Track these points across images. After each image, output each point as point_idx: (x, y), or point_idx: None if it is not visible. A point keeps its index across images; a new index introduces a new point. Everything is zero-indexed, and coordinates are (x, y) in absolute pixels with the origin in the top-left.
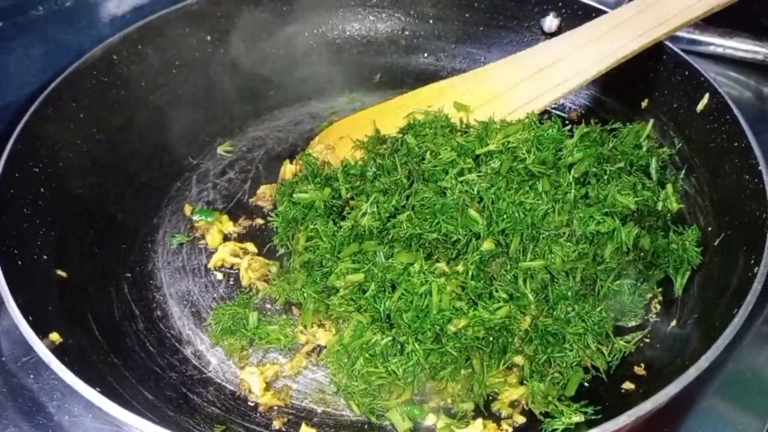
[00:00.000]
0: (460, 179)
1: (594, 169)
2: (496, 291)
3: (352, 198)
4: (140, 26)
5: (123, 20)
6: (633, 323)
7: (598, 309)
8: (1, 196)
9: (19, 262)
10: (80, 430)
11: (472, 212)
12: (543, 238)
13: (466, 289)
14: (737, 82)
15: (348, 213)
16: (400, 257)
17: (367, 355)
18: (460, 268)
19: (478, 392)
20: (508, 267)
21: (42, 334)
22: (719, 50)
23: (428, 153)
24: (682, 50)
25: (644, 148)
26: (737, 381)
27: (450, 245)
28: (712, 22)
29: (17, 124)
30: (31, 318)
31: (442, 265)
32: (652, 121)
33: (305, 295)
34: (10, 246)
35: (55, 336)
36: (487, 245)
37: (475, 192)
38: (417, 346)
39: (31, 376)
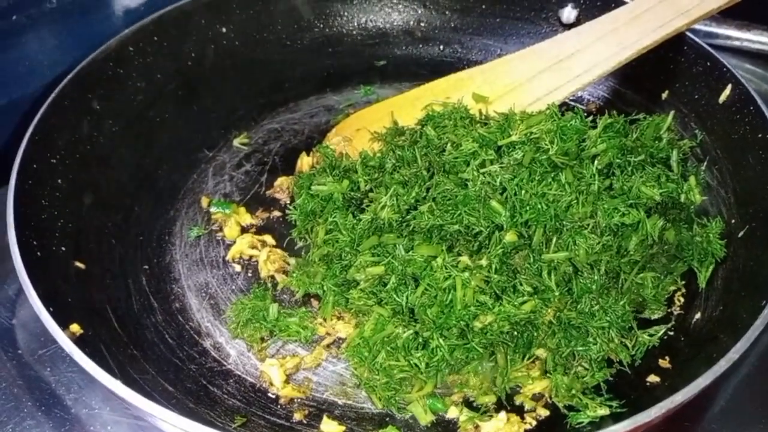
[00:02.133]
0: (482, 171)
1: (618, 161)
2: (521, 284)
3: (371, 190)
4: (156, 18)
5: (137, 12)
6: (656, 316)
7: (622, 302)
8: (20, 187)
9: (39, 253)
10: (98, 423)
11: (495, 204)
12: (566, 230)
13: (490, 283)
14: (754, 74)
15: (367, 205)
16: (421, 249)
17: (388, 349)
18: (483, 261)
19: (500, 385)
20: (532, 260)
21: (63, 325)
22: (736, 43)
23: (449, 144)
24: None
25: (664, 141)
26: (758, 377)
27: (471, 237)
28: (729, 14)
29: (34, 116)
30: (51, 309)
31: (465, 259)
32: (672, 112)
33: (325, 288)
34: (29, 237)
35: (75, 327)
36: (510, 237)
37: (498, 183)
38: (442, 341)
39: (48, 368)
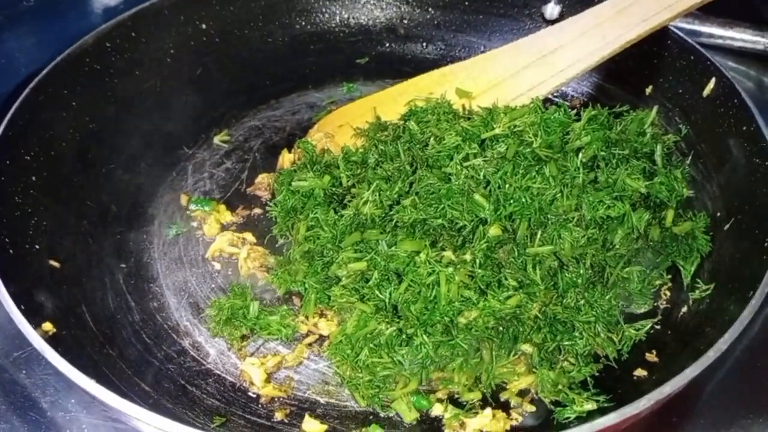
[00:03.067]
0: (465, 164)
1: (602, 153)
2: (506, 279)
3: (353, 186)
4: (134, 13)
5: (115, 11)
6: (643, 310)
7: (608, 297)
8: None
9: (11, 251)
10: (75, 427)
11: (478, 197)
12: (551, 223)
13: (475, 278)
14: (738, 72)
15: (349, 201)
16: (404, 245)
17: (371, 346)
18: (467, 256)
19: (486, 382)
20: (516, 254)
21: (35, 323)
22: (719, 41)
23: (432, 138)
24: None
25: (648, 135)
26: (745, 371)
27: (455, 232)
28: (712, 12)
29: (8, 112)
30: (23, 307)
31: (449, 254)
32: (656, 107)
33: (307, 285)
34: (2, 235)
35: (48, 326)
36: (494, 231)
37: (481, 177)
38: (426, 338)
39: (24, 371)
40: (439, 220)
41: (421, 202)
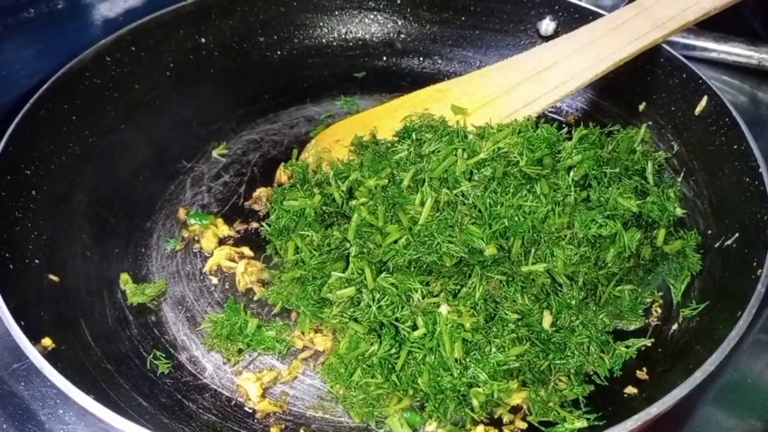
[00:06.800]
0: (454, 191)
1: (594, 172)
2: (506, 314)
3: (345, 202)
4: (133, 28)
5: (115, 23)
6: (633, 327)
7: (601, 316)
8: None
9: (11, 266)
10: None
11: (472, 227)
12: (544, 241)
13: (477, 319)
14: (732, 86)
15: (339, 223)
16: (392, 278)
17: (364, 366)
18: (462, 308)
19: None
20: (506, 286)
21: (34, 339)
22: (713, 55)
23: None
24: None
25: (638, 153)
26: (736, 387)
27: (451, 267)
28: (706, 27)
29: (8, 126)
30: (23, 323)
31: (443, 310)
32: (645, 125)
33: (300, 308)
34: (2, 250)
35: (47, 341)
36: (490, 250)
37: (470, 201)
38: (437, 406)
39: (22, 383)
40: (432, 257)
41: (414, 239)
